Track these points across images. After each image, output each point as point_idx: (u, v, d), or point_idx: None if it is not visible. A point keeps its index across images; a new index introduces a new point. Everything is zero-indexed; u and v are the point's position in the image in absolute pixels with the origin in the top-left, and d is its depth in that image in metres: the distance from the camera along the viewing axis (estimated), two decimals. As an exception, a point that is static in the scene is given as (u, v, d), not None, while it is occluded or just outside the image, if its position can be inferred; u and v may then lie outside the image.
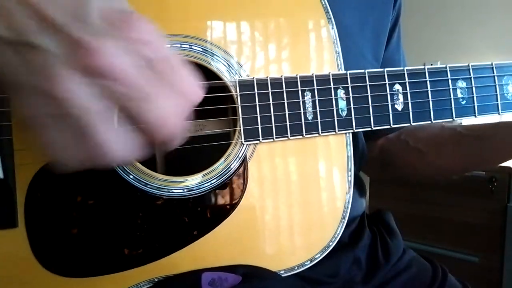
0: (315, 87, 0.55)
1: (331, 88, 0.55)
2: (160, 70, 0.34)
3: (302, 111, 0.55)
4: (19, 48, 0.32)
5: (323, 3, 0.57)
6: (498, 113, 0.60)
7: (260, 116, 0.54)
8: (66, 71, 0.31)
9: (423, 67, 0.57)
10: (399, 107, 0.57)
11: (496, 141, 0.67)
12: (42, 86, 0.32)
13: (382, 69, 0.57)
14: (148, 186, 0.52)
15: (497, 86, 0.60)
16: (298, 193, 0.56)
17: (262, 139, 0.54)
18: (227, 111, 0.57)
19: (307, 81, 0.55)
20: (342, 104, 0.56)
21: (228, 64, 0.54)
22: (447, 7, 2.29)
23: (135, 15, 0.33)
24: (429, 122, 0.58)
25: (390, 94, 0.57)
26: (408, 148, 0.79)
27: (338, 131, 0.56)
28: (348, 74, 0.56)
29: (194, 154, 0.57)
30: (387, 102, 0.57)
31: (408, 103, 0.57)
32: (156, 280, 0.53)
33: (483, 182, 1.76)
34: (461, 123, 0.84)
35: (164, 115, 0.34)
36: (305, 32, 0.57)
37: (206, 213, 0.54)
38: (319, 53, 0.57)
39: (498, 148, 0.67)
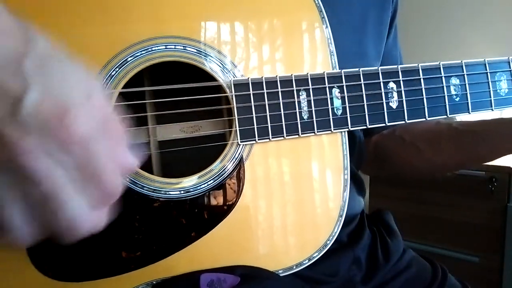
0: (310, 86, 0.55)
1: (326, 87, 0.56)
2: (79, 174, 0.33)
3: (297, 110, 0.55)
4: None
5: (317, 2, 0.57)
6: (492, 109, 0.60)
7: (255, 116, 0.54)
8: None
9: (416, 64, 0.58)
10: (394, 105, 0.58)
11: (492, 136, 0.67)
12: None
13: (376, 68, 0.57)
14: (145, 188, 0.52)
15: (490, 83, 0.60)
16: (294, 192, 0.56)
17: (258, 139, 0.54)
18: (222, 112, 0.57)
19: (302, 81, 0.55)
20: (337, 103, 0.56)
21: (222, 65, 0.54)
22: (447, 7, 2.30)
23: (67, 115, 0.31)
24: (424, 119, 0.58)
25: (384, 92, 0.57)
26: (404, 144, 0.79)
27: (334, 130, 0.56)
28: (343, 73, 0.56)
29: (190, 156, 0.57)
30: (382, 100, 0.57)
31: (402, 101, 0.58)
32: (154, 282, 0.53)
33: (483, 182, 1.76)
34: (455, 119, 0.85)
35: (64, 216, 0.34)
36: (299, 32, 0.57)
37: (204, 214, 0.54)
38: (313, 52, 0.57)
39: (494, 144, 0.67)
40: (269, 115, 0.54)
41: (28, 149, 0.31)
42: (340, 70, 0.56)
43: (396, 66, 0.57)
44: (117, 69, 0.51)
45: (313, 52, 0.57)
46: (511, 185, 1.72)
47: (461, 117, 0.66)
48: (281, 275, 0.56)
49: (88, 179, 0.34)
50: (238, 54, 0.55)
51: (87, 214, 0.35)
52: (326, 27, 0.57)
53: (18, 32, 0.32)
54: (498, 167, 1.75)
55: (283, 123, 0.54)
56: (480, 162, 0.73)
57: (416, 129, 0.79)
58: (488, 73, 0.60)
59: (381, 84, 0.57)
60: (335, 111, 0.56)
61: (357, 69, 0.56)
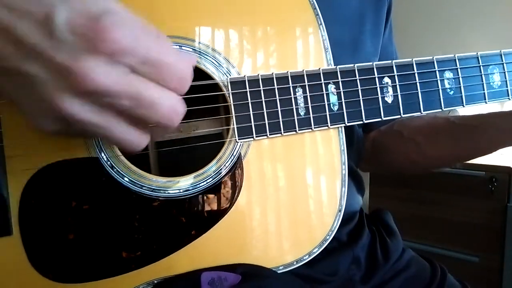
0: (306, 83, 0.56)
1: (321, 83, 0.56)
2: (144, 71, 0.35)
3: (294, 107, 0.55)
4: (12, 76, 0.33)
5: (310, 0, 0.58)
6: (485, 102, 0.61)
7: (253, 113, 0.54)
8: (59, 95, 0.32)
9: (410, 59, 0.58)
10: (389, 99, 0.58)
11: (489, 129, 0.68)
12: (46, 109, 0.34)
13: (371, 63, 0.58)
14: (144, 188, 0.52)
15: (483, 76, 0.61)
16: (293, 188, 0.57)
17: (256, 137, 0.54)
18: (219, 110, 0.57)
19: (298, 77, 0.55)
20: (334, 98, 0.56)
21: (218, 63, 0.54)
22: (447, 7, 2.32)
23: (105, 21, 0.32)
24: (419, 113, 0.59)
25: (379, 87, 0.58)
26: (403, 139, 0.79)
27: (331, 125, 0.56)
28: (338, 69, 0.56)
29: (189, 155, 0.57)
30: (377, 95, 0.57)
31: (397, 95, 0.58)
32: (155, 281, 0.52)
33: (483, 182, 1.77)
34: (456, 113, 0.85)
35: (161, 112, 0.36)
36: (293, 29, 0.57)
37: (203, 212, 0.54)
38: (308, 50, 0.58)
39: (491, 137, 0.68)
40: (266, 112, 0.54)
41: (88, 71, 0.32)
42: (335, 66, 0.57)
43: (390, 61, 0.58)
44: (114, 69, 0.51)
45: (308, 49, 0.58)
46: (511, 185, 1.72)
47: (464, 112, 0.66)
48: (281, 271, 0.56)
49: (158, 70, 0.35)
50: (234, 52, 0.55)
51: (179, 100, 0.37)
52: (320, 24, 0.58)
53: None
54: (498, 167, 1.76)
55: (280, 120, 0.55)
56: (478, 155, 0.73)
57: (413, 124, 0.80)
58: (481, 66, 0.61)
59: (376, 79, 0.57)
60: (332, 107, 0.56)
61: (352, 64, 0.57)
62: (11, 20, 0.32)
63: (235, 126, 0.54)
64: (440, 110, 0.59)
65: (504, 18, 2.14)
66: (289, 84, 0.55)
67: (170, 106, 0.36)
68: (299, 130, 0.55)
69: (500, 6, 2.16)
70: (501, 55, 0.62)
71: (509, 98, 0.62)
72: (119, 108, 0.35)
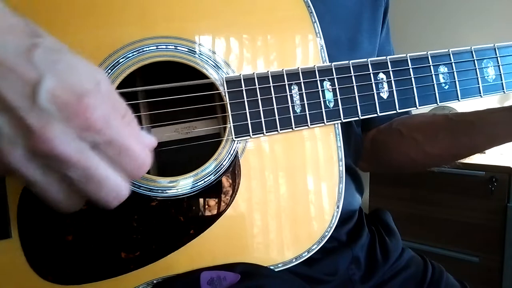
0: (302, 80, 0.56)
1: (317, 80, 0.56)
2: (106, 151, 0.36)
3: (290, 104, 0.56)
4: None
5: (305, 0, 0.58)
6: (480, 95, 0.61)
7: (249, 112, 0.54)
8: (15, 151, 0.33)
9: (405, 55, 0.59)
10: (385, 95, 0.58)
11: (487, 125, 0.68)
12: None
13: (365, 59, 0.58)
14: (142, 188, 0.52)
15: (478, 70, 0.61)
16: (290, 185, 0.57)
17: (253, 135, 0.55)
18: (216, 109, 0.58)
19: (293, 75, 0.56)
20: (329, 95, 0.57)
21: (214, 63, 0.55)
22: (445, 5, 2.33)
23: (83, 99, 0.34)
24: (415, 108, 0.59)
25: (375, 83, 0.58)
26: (402, 137, 0.79)
27: (327, 122, 0.57)
28: (333, 66, 0.57)
29: (186, 154, 0.57)
30: (373, 91, 0.58)
31: (393, 91, 0.58)
32: (155, 281, 0.52)
33: (483, 182, 1.77)
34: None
35: (104, 193, 0.37)
36: (287, 28, 0.58)
37: (202, 211, 0.54)
38: (302, 48, 0.58)
39: (489, 133, 0.68)
40: (262, 110, 0.55)
41: (54, 135, 0.33)
42: (330, 63, 0.57)
43: (385, 57, 0.59)
44: (109, 71, 0.51)
45: (302, 47, 0.58)
46: (511, 185, 1.73)
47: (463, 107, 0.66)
48: (280, 269, 0.56)
49: (119, 153, 0.36)
50: (229, 51, 0.55)
51: (125, 185, 0.38)
52: (314, 21, 0.58)
53: (25, 27, 0.34)
54: (498, 167, 1.76)
55: (277, 117, 0.55)
56: (477, 151, 0.73)
57: (412, 122, 0.80)
58: (475, 60, 0.61)
59: (371, 75, 0.58)
60: (327, 104, 0.57)
61: (347, 61, 0.57)
62: None
63: (231, 124, 0.54)
64: (435, 104, 0.60)
65: (502, 17, 2.15)
66: (284, 81, 0.55)
67: (115, 190, 0.37)
68: (295, 127, 0.56)
69: (498, 5, 2.17)
70: (495, 49, 0.62)
71: (504, 92, 0.63)
72: (65, 176, 0.35)
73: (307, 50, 0.58)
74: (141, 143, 0.38)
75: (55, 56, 0.34)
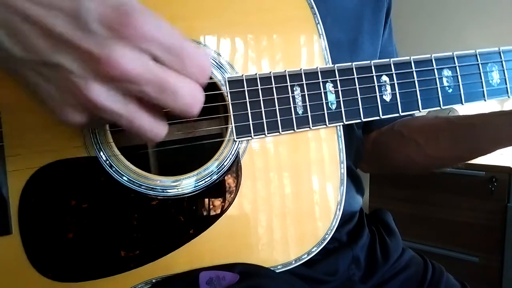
0: (304, 81, 0.56)
1: (319, 82, 0.56)
2: (167, 60, 0.36)
3: (292, 105, 0.55)
4: (39, 68, 0.35)
5: (309, 1, 0.58)
6: (484, 99, 0.61)
7: (251, 112, 0.54)
8: (87, 84, 0.34)
9: (408, 57, 0.58)
10: (387, 98, 0.58)
11: (489, 128, 0.67)
12: (73, 100, 0.35)
13: (368, 61, 0.58)
14: (142, 187, 0.52)
15: (482, 74, 0.61)
16: (291, 187, 0.57)
17: (254, 135, 0.54)
18: (218, 109, 0.57)
19: (295, 76, 0.56)
20: (331, 97, 0.56)
21: (216, 63, 0.54)
22: (447, 6, 2.32)
23: (130, 11, 0.34)
24: (418, 111, 0.59)
25: (378, 85, 0.58)
26: (403, 139, 0.79)
27: (329, 124, 0.56)
28: (336, 68, 0.56)
29: (188, 154, 0.57)
30: (375, 93, 0.57)
31: (396, 93, 0.58)
32: (154, 281, 0.52)
33: (483, 182, 1.77)
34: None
35: (183, 99, 0.37)
36: (291, 29, 0.57)
37: (202, 211, 0.54)
38: (306, 49, 0.58)
39: (492, 136, 0.68)
40: (264, 111, 0.54)
41: (117, 56, 0.33)
42: (333, 65, 0.57)
43: (388, 60, 0.58)
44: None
45: (305, 48, 0.58)
46: (511, 185, 1.72)
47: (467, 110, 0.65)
48: (280, 270, 0.56)
49: (181, 57, 0.36)
50: (232, 52, 0.55)
51: (199, 88, 0.38)
52: (318, 23, 0.58)
53: None
54: (498, 167, 1.76)
55: (278, 118, 0.55)
56: (479, 155, 0.73)
57: (414, 124, 0.79)
58: (480, 64, 0.60)
59: (374, 77, 0.57)
60: (330, 106, 0.56)
61: (350, 63, 0.57)
62: (40, 14, 0.33)
63: (233, 125, 0.54)
64: (439, 108, 0.59)
65: (506, 18, 2.14)
66: (287, 82, 0.55)
67: (191, 94, 0.37)
68: (297, 128, 0.56)
69: (502, 6, 2.16)
70: (500, 52, 0.62)
71: (508, 96, 0.62)
72: (143, 95, 0.36)
73: (311, 52, 0.58)
74: (195, 46, 0.38)
75: None
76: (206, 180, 0.54)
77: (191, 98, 0.37)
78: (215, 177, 0.54)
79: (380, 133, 0.84)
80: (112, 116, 0.36)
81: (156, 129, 0.39)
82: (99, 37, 0.33)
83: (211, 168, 0.54)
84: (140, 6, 0.35)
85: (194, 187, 0.53)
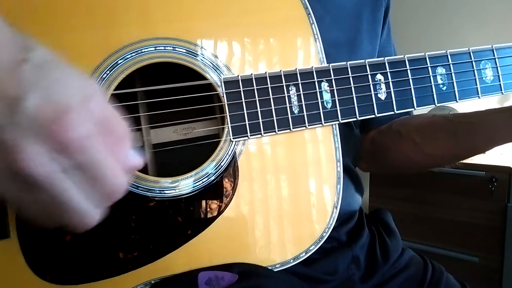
0: (299, 81, 0.56)
1: (314, 81, 0.56)
2: (77, 176, 0.34)
3: (288, 105, 0.56)
4: None
5: (303, 2, 0.58)
6: (478, 96, 0.61)
7: (247, 112, 0.54)
8: None
9: (402, 56, 0.59)
10: (382, 96, 0.59)
11: (487, 126, 0.68)
12: None
13: (363, 60, 0.58)
14: (140, 188, 0.52)
15: (475, 71, 0.61)
16: (288, 186, 0.57)
17: (251, 135, 0.55)
18: (214, 110, 0.58)
19: (291, 76, 0.56)
20: (327, 96, 0.57)
21: (212, 64, 0.55)
22: (446, 6, 2.32)
23: (66, 117, 0.33)
24: (413, 109, 0.59)
25: (372, 84, 0.58)
26: (401, 138, 0.79)
27: (325, 123, 0.57)
28: (331, 67, 0.57)
29: (185, 155, 0.58)
30: (370, 92, 0.58)
31: (390, 92, 0.59)
32: (152, 282, 0.52)
33: (483, 182, 1.76)
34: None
35: (71, 216, 0.35)
36: (285, 29, 0.58)
37: (200, 212, 0.54)
38: (300, 49, 0.58)
39: (489, 133, 0.68)
40: (260, 111, 0.55)
41: (28, 154, 0.32)
42: (328, 64, 0.57)
43: (383, 58, 0.59)
44: (108, 71, 0.52)
45: (301, 48, 0.58)
46: (511, 185, 1.72)
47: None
48: (278, 269, 0.56)
49: (91, 180, 0.35)
50: (228, 52, 0.56)
51: (95, 212, 0.36)
52: (312, 23, 0.58)
53: (16, 42, 0.34)
54: (498, 167, 1.76)
55: (274, 118, 0.55)
56: (476, 153, 0.73)
57: (412, 123, 0.79)
58: (473, 62, 0.61)
59: (369, 76, 0.58)
60: (325, 105, 0.57)
61: (345, 62, 0.57)
62: None
63: (229, 125, 0.54)
64: (433, 105, 0.60)
65: (503, 18, 2.15)
66: (282, 82, 0.56)
67: (80, 217, 0.36)
68: (293, 128, 0.56)
69: (499, 6, 2.17)
70: (492, 50, 0.62)
71: (502, 93, 0.63)
72: (37, 197, 0.34)
73: (306, 52, 0.58)
74: (119, 168, 0.36)
75: (44, 71, 0.33)
76: (204, 180, 0.54)
77: (80, 222, 0.36)
78: (212, 177, 0.54)
79: (378, 132, 0.84)
80: (3, 197, 0.34)
81: (47, 223, 0.37)
82: (20, 131, 0.32)
83: (208, 169, 0.54)
84: (92, 106, 0.34)
85: (192, 187, 0.54)
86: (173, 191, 0.53)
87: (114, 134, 0.36)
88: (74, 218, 0.35)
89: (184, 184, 0.53)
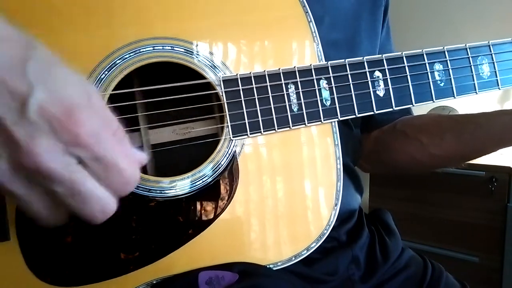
0: (298, 79, 0.56)
1: (313, 79, 0.57)
2: (92, 167, 0.35)
3: (287, 103, 0.56)
4: None
5: (301, 0, 0.59)
6: (476, 92, 0.62)
7: (246, 111, 0.55)
8: (3, 165, 0.33)
9: (400, 53, 0.59)
10: (381, 93, 0.59)
11: (495, 127, 0.67)
12: None
13: (361, 58, 0.58)
14: (140, 188, 0.52)
15: (472, 67, 0.62)
16: (288, 184, 0.57)
17: (250, 134, 0.55)
18: (213, 109, 0.58)
19: (289, 74, 0.56)
20: (326, 94, 0.57)
21: (211, 63, 0.55)
22: (446, 5, 2.33)
23: (74, 109, 0.33)
24: (411, 105, 0.59)
25: (371, 81, 0.58)
26: (407, 139, 0.78)
27: (324, 120, 0.57)
28: (329, 64, 0.57)
29: (185, 154, 0.58)
30: (369, 89, 0.58)
31: (389, 88, 0.59)
32: (154, 282, 0.52)
33: (483, 182, 1.76)
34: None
35: (90, 209, 0.36)
36: (283, 27, 0.58)
37: (200, 211, 0.54)
38: (299, 47, 0.59)
39: (497, 135, 0.67)
40: (260, 109, 0.55)
41: (40, 150, 0.32)
42: (326, 62, 0.57)
43: (380, 55, 0.59)
44: (106, 72, 0.52)
45: (299, 46, 0.59)
46: (511, 185, 1.72)
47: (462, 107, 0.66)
48: (280, 267, 0.56)
49: (107, 170, 0.36)
50: (226, 51, 0.56)
51: (113, 201, 0.37)
52: (310, 21, 0.58)
53: (19, 39, 0.34)
54: (498, 167, 1.76)
55: (274, 116, 0.55)
56: (482, 154, 0.72)
57: (417, 123, 0.79)
58: (470, 58, 0.61)
59: (367, 73, 0.58)
60: (324, 102, 0.57)
61: (343, 60, 0.58)
62: None
63: (229, 124, 0.54)
64: (431, 101, 0.60)
65: (503, 17, 2.16)
66: (281, 80, 0.56)
67: (102, 206, 0.37)
68: (292, 126, 0.56)
69: (499, 5, 2.18)
70: (489, 46, 0.63)
71: (499, 88, 0.63)
72: (50, 191, 0.35)
73: (304, 49, 0.58)
74: (130, 160, 0.37)
75: (48, 69, 0.34)
76: (204, 180, 0.54)
77: (100, 211, 0.37)
78: (212, 176, 0.54)
79: (381, 132, 0.84)
80: (8, 193, 0.35)
81: (50, 220, 0.38)
82: (32, 127, 0.32)
83: (208, 168, 0.54)
84: (90, 106, 0.35)
85: (192, 187, 0.53)
86: (173, 191, 0.53)
87: (116, 131, 0.37)
88: (96, 207, 0.36)
89: (185, 184, 0.53)
